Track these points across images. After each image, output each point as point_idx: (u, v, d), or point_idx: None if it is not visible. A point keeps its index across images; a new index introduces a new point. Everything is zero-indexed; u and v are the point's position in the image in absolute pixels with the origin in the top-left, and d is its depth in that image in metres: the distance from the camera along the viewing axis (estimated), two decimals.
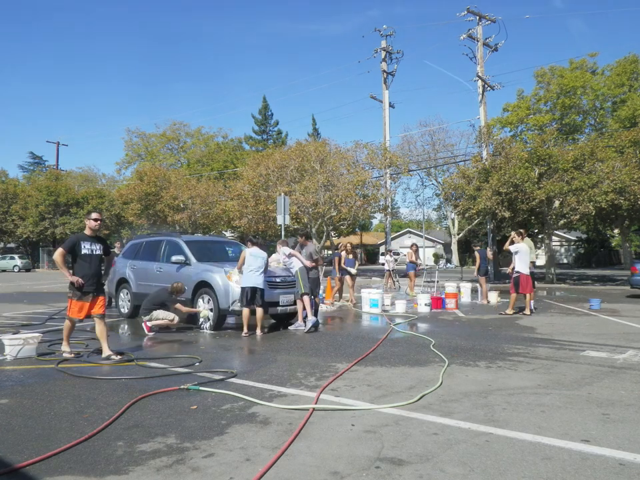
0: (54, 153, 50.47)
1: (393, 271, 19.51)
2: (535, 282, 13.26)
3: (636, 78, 31.21)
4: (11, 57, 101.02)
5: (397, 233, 61.99)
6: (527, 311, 10.63)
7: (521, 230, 11.56)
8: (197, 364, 5.84)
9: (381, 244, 55.11)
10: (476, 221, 25.64)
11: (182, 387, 4.68)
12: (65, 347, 6.34)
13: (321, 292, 10.83)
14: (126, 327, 9.21)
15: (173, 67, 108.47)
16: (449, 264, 42.91)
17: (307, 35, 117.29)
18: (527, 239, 12.14)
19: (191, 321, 9.42)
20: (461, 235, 37.96)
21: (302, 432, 3.58)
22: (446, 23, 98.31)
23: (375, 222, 57.07)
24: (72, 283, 6.04)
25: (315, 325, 8.55)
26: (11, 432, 3.61)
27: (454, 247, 39.58)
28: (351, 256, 13.56)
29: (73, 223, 37.63)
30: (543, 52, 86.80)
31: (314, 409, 4.08)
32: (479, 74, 25.27)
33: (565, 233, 43.37)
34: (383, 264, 23.40)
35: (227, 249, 10.66)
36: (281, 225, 15.72)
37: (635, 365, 5.77)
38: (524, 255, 10.71)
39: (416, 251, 16.09)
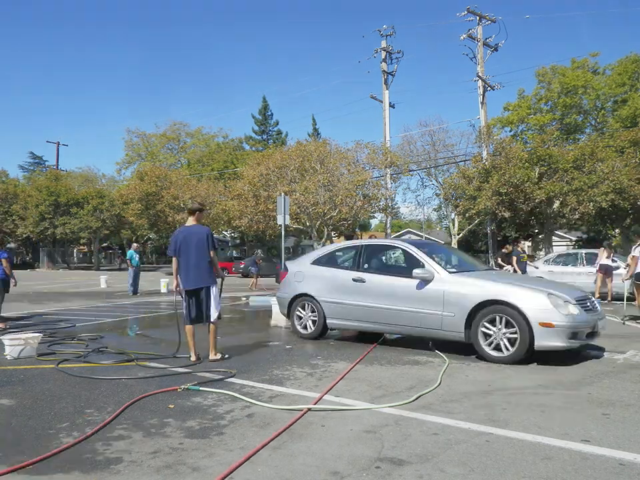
0: (54, 152, 50.53)
1: None
2: None
3: (637, 77, 31.21)
4: (11, 57, 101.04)
5: (397, 233, 61.95)
6: None
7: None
8: (197, 364, 5.84)
9: None
10: (476, 221, 25.63)
11: (182, 386, 4.68)
12: None
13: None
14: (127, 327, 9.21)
15: (173, 67, 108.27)
16: None
17: (307, 34, 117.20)
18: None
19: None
20: (461, 235, 37.94)
21: (302, 432, 3.58)
22: (446, 23, 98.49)
23: (375, 222, 57.08)
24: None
25: None
26: (11, 432, 3.61)
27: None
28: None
29: (73, 223, 37.54)
30: (544, 52, 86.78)
31: (313, 409, 4.09)
32: (479, 74, 25.27)
33: (565, 232, 43.33)
34: None
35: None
36: (281, 225, 15.70)
37: (635, 365, 5.77)
38: None
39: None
